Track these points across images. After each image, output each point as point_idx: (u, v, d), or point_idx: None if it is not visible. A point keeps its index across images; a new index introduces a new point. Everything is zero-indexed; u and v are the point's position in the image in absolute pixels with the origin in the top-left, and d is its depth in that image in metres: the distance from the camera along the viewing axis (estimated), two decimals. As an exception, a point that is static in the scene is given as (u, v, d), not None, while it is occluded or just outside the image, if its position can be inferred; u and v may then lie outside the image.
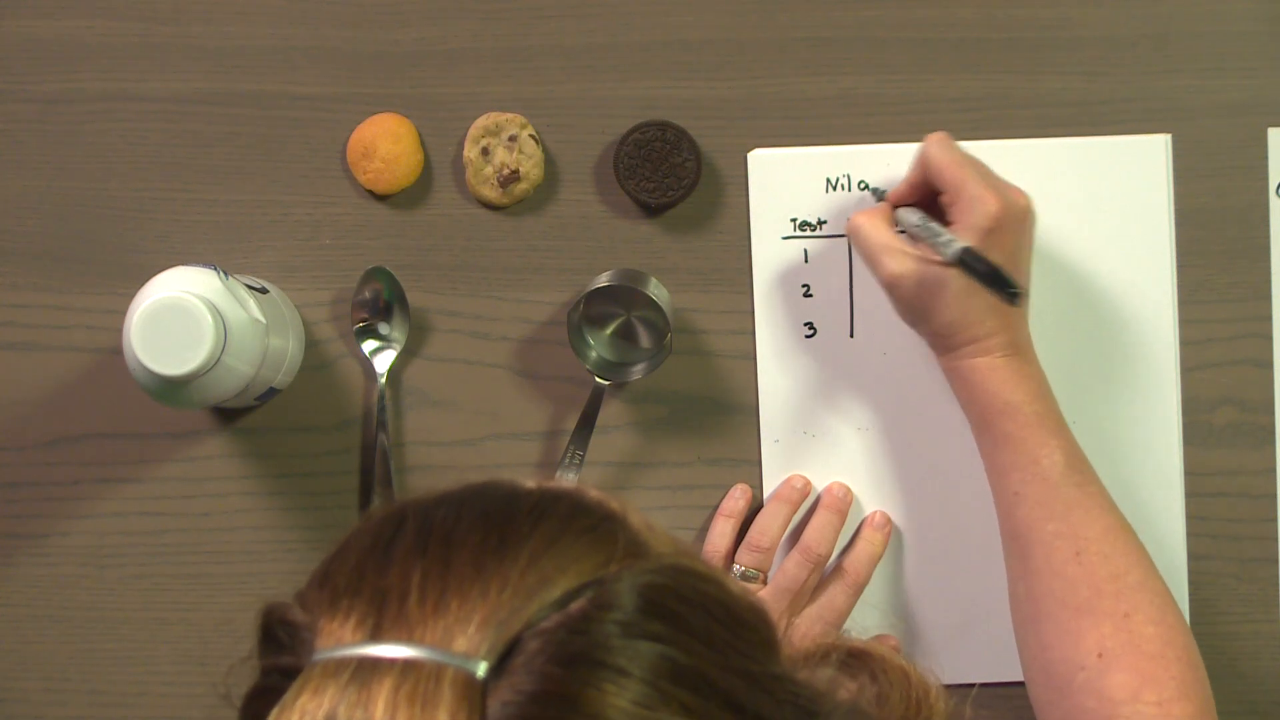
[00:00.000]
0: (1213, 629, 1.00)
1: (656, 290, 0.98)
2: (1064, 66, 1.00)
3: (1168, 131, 1.00)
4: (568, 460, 0.98)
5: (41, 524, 1.02)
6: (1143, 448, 1.00)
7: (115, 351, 0.93)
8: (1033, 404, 0.91)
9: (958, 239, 0.88)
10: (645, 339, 0.99)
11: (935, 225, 0.91)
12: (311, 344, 1.01)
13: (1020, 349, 0.92)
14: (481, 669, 0.51)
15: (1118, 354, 1.00)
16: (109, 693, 1.02)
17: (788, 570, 0.97)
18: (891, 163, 1.00)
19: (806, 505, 1.00)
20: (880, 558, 1.00)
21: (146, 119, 1.01)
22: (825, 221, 1.00)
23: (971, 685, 0.96)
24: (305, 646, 0.54)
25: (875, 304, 1.00)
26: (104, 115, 1.01)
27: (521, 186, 1.00)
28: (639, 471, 1.01)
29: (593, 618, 0.52)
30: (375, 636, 0.53)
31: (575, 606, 0.53)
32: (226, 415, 1.01)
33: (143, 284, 0.90)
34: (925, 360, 1.00)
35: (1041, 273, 1.00)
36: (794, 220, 1.00)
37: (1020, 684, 1.01)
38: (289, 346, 0.97)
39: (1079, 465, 0.91)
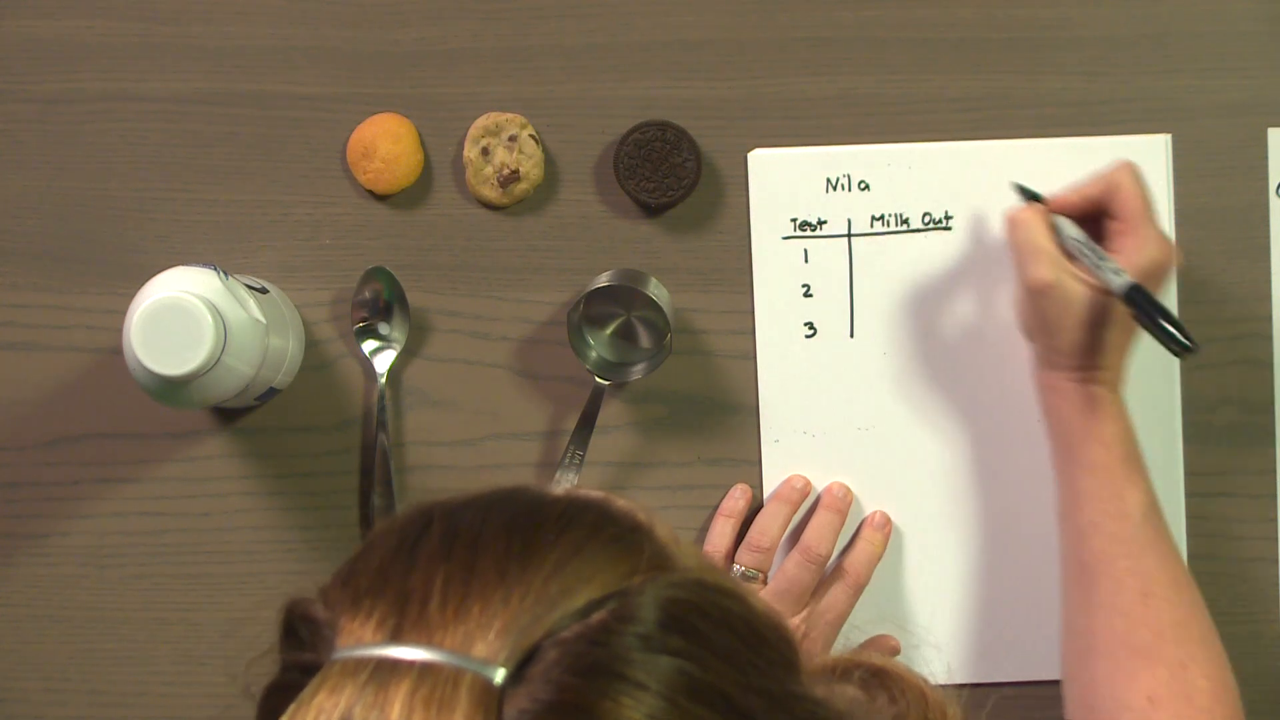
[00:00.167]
0: (1213, 629, 1.00)
1: (656, 290, 0.98)
2: (1064, 66, 1.00)
3: (1168, 131, 1.00)
4: (568, 460, 0.98)
5: (41, 524, 1.02)
6: (1143, 447, 1.00)
7: (115, 351, 0.93)
8: (1126, 443, 0.91)
9: (1125, 273, 0.87)
10: (645, 339, 0.99)
11: (1101, 250, 0.90)
12: (311, 344, 1.01)
13: (1119, 387, 0.92)
14: (499, 675, 0.51)
15: (1118, 354, 1.00)
16: (109, 693, 1.02)
17: (788, 570, 0.97)
18: (892, 163, 1.00)
19: (806, 505, 1.00)
20: (880, 558, 1.00)
21: (146, 119, 1.01)
22: (825, 221, 1.00)
23: (970, 685, 0.96)
24: (326, 644, 0.54)
25: (875, 304, 1.00)
26: (104, 115, 1.01)
27: (521, 186, 1.00)
28: (639, 471, 1.01)
29: (613, 629, 0.52)
30: (395, 638, 0.52)
31: (596, 617, 0.52)
32: (226, 415, 1.01)
33: (143, 284, 0.90)
34: (925, 360, 1.00)
35: (1041, 273, 1.00)
36: (794, 220, 1.00)
37: (1020, 684, 1.01)
38: (289, 346, 0.97)
39: (1158, 511, 0.91)
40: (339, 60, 1.01)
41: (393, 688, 0.51)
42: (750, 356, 1.01)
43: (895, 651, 0.99)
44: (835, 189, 1.00)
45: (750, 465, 1.01)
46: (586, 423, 0.99)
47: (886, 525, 1.00)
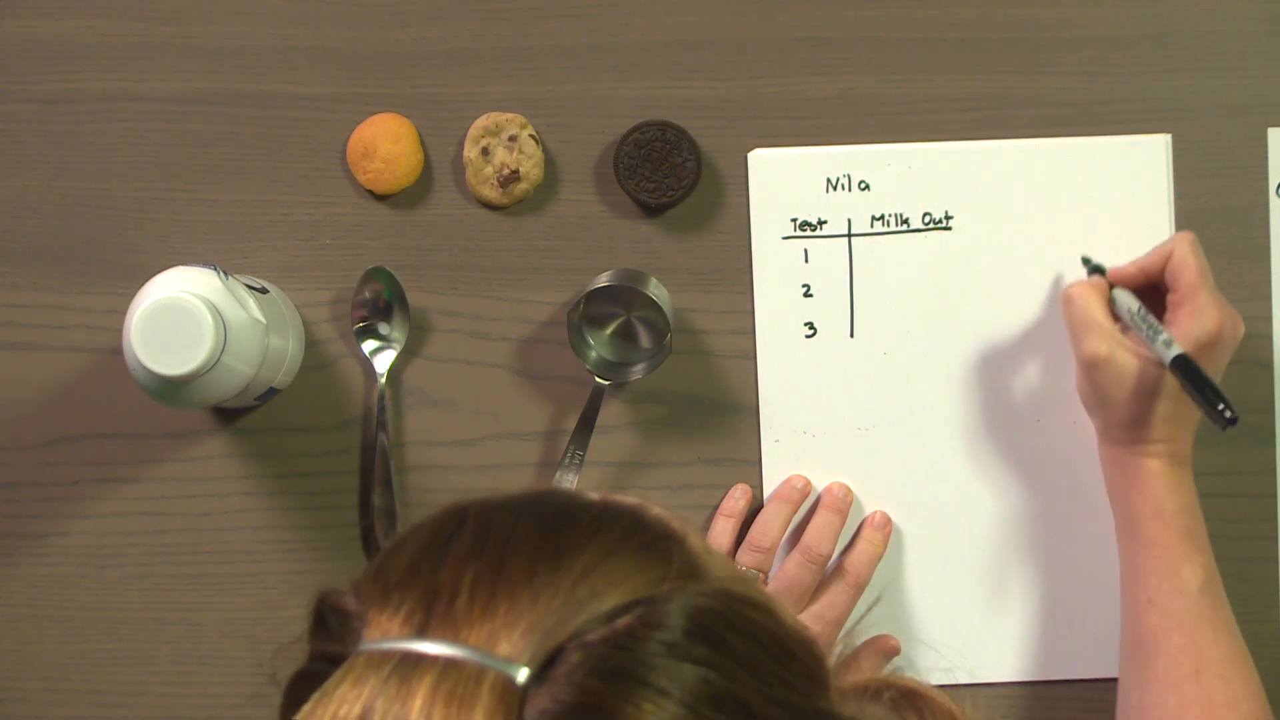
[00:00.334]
0: (1213, 629, 1.00)
1: (656, 290, 0.98)
2: (1064, 66, 1.00)
3: (1168, 131, 1.00)
4: (568, 460, 0.98)
5: (41, 524, 1.02)
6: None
7: (115, 351, 0.93)
8: (1184, 516, 0.91)
9: (1176, 344, 0.88)
10: (645, 339, 0.99)
11: (1154, 320, 0.90)
12: (311, 344, 1.01)
13: (1185, 461, 0.92)
14: (522, 675, 0.51)
15: (1118, 354, 1.00)
16: (109, 693, 1.02)
17: (788, 571, 0.97)
18: (892, 163, 1.00)
19: (807, 505, 1.00)
20: (880, 558, 1.00)
21: (146, 119, 1.01)
22: (825, 221, 1.00)
23: (970, 685, 0.96)
24: (353, 635, 0.55)
25: (875, 304, 1.00)
26: (104, 115, 1.01)
27: (521, 186, 1.00)
28: (639, 471, 1.01)
29: (638, 635, 0.52)
30: (421, 632, 0.53)
31: (622, 622, 0.52)
32: (226, 415, 1.01)
33: (143, 284, 0.90)
34: (925, 360, 1.00)
35: (1043, 273, 1.00)
36: (794, 220, 1.00)
37: (1018, 684, 1.01)
38: (289, 346, 0.97)
39: (1215, 587, 0.91)
40: (339, 60, 1.01)
41: (415, 682, 0.51)
42: (750, 356, 1.01)
43: (895, 651, 0.99)
44: (835, 189, 1.00)
45: (750, 465, 1.01)
46: (586, 423, 0.99)
47: (887, 525, 1.00)
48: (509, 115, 1.00)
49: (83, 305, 1.01)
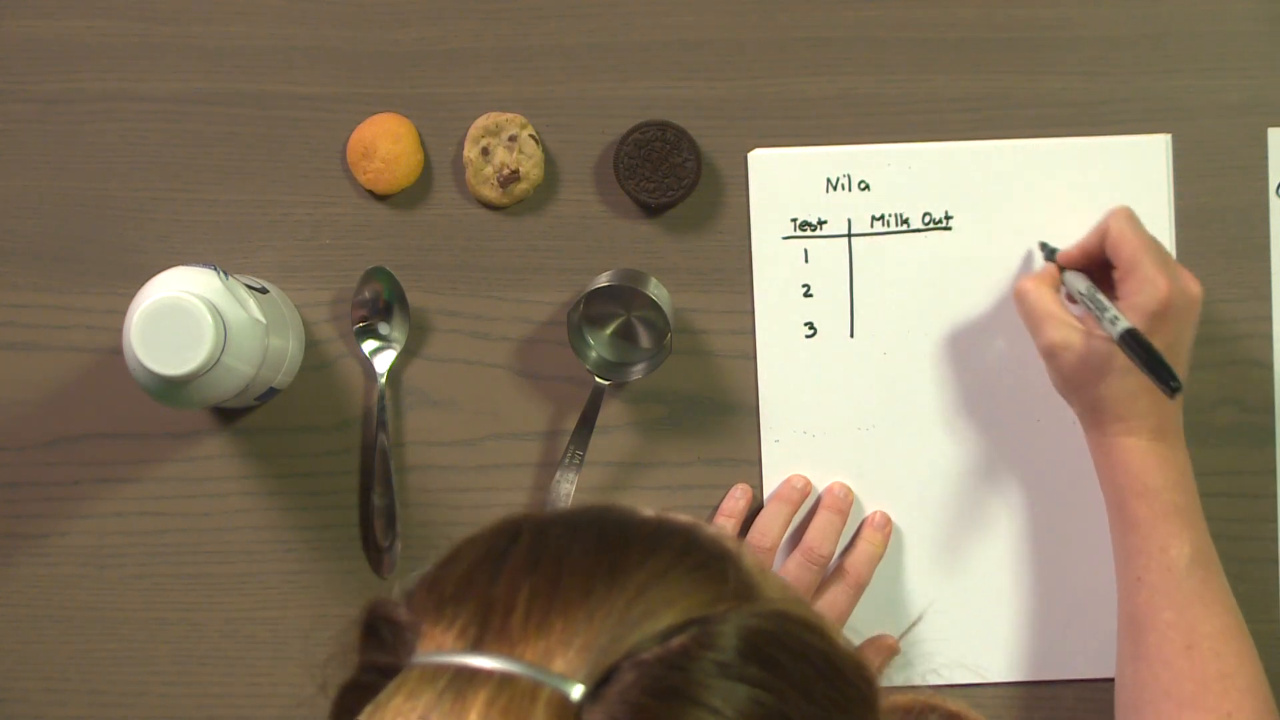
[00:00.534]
0: (1213, 629, 1.00)
1: (656, 290, 0.98)
2: (1064, 66, 1.00)
3: (1168, 131, 1.00)
4: (568, 460, 0.98)
5: (41, 524, 1.02)
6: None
7: (115, 351, 0.93)
8: (1170, 492, 0.91)
9: (1123, 318, 0.88)
10: (645, 339, 0.99)
11: (1102, 298, 0.90)
12: (311, 344, 1.01)
13: (1169, 434, 0.92)
14: (577, 692, 0.51)
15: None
16: (109, 693, 1.02)
17: (789, 571, 0.97)
18: (892, 163, 1.00)
19: (807, 505, 1.00)
20: (881, 558, 1.00)
21: (146, 119, 1.01)
22: (825, 221, 1.00)
23: (971, 685, 0.96)
24: (406, 648, 0.55)
25: (875, 304, 1.00)
26: (104, 115, 1.01)
27: (521, 186, 1.00)
28: (639, 471, 1.01)
29: (693, 655, 0.52)
30: (476, 647, 0.53)
31: (677, 641, 0.52)
32: (226, 415, 1.01)
33: (143, 284, 0.90)
34: (925, 360, 1.00)
35: (1041, 273, 1.00)
36: (794, 220, 1.00)
37: (1018, 684, 1.01)
38: (289, 346, 0.97)
39: (1206, 561, 0.91)
40: (339, 60, 1.01)
41: (470, 696, 0.51)
42: (750, 356, 1.01)
43: (894, 651, 0.99)
44: (835, 189, 1.00)
45: (750, 465, 1.01)
46: (586, 423, 0.99)
47: (887, 525, 1.00)
48: (509, 115, 1.00)
49: (83, 305, 1.01)
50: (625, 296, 0.97)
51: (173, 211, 1.01)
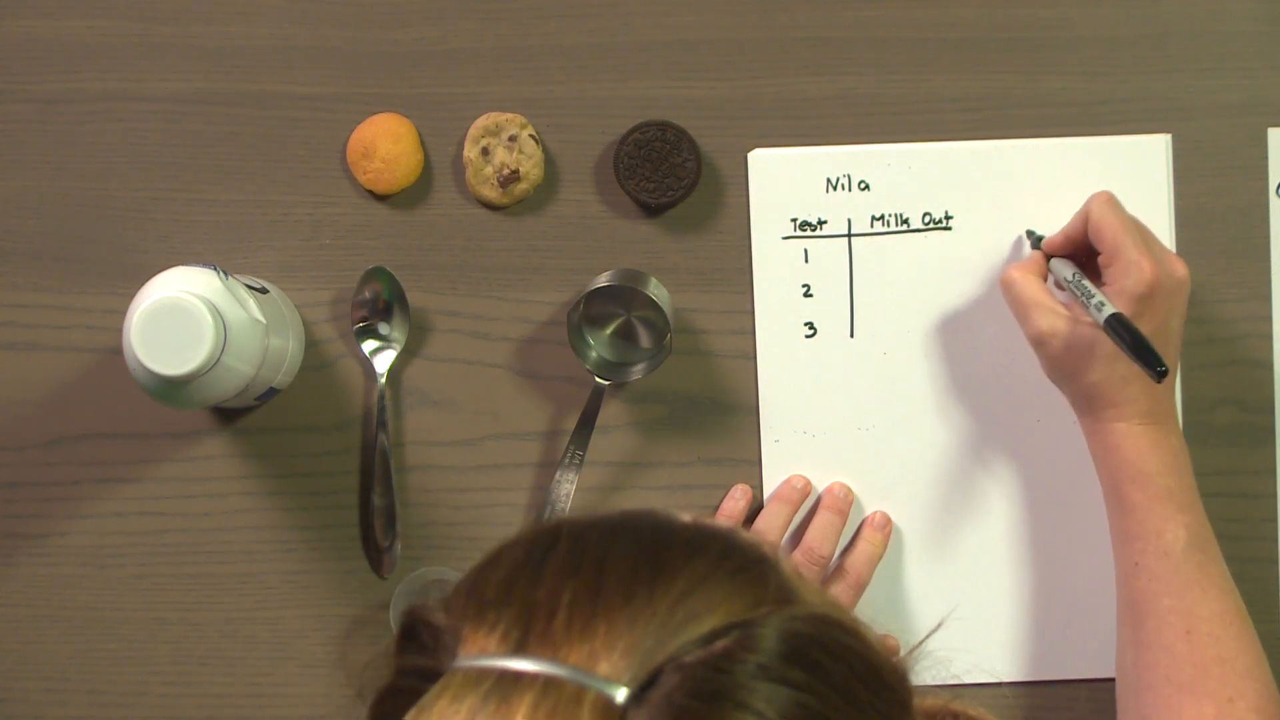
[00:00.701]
0: (1213, 629, 1.00)
1: (656, 290, 0.98)
2: (1064, 66, 1.00)
3: (1168, 131, 1.00)
4: (568, 460, 0.98)
5: (41, 524, 1.02)
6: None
7: (115, 351, 0.93)
8: (1165, 476, 0.90)
9: (1109, 303, 0.88)
10: (645, 339, 0.99)
11: (1088, 284, 0.90)
12: (311, 344, 1.01)
13: (1161, 418, 0.92)
14: (621, 695, 0.51)
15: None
16: (109, 693, 1.02)
17: (789, 571, 0.97)
18: (892, 163, 1.00)
19: (807, 506, 1.00)
20: (881, 558, 1.00)
21: (146, 119, 1.01)
22: (825, 221, 1.00)
23: (971, 685, 0.96)
24: (447, 652, 0.55)
25: (875, 304, 1.00)
26: (104, 115, 1.01)
27: (521, 186, 1.00)
28: (639, 471, 1.01)
29: (736, 658, 0.53)
30: (519, 650, 0.53)
31: (720, 645, 0.53)
32: (226, 415, 1.01)
33: (143, 284, 0.90)
34: (925, 360, 1.00)
35: (1041, 273, 1.00)
36: (794, 220, 1.00)
37: (1018, 684, 1.01)
38: (289, 346, 0.97)
39: (1203, 544, 0.90)
40: (339, 60, 1.01)
41: (515, 700, 0.51)
42: (750, 356, 1.01)
43: (894, 652, 0.99)
44: (835, 189, 1.00)
45: (750, 465, 1.01)
46: (586, 423, 0.99)
47: (887, 525, 1.00)
48: (509, 115, 1.00)
49: (83, 305, 1.01)
50: (625, 296, 0.97)
51: (173, 211, 1.01)
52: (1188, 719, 0.86)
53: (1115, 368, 0.90)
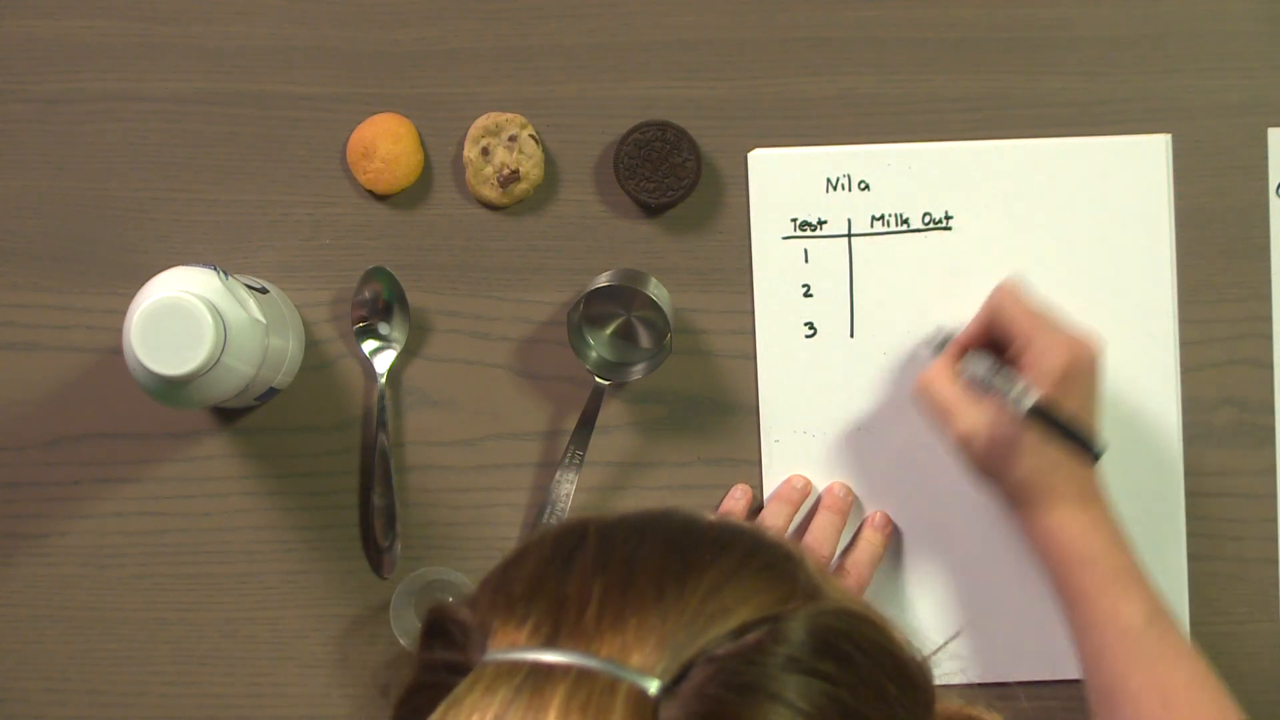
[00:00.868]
0: (1213, 629, 1.00)
1: (656, 290, 0.98)
2: (1064, 66, 1.00)
3: (1168, 131, 1.00)
4: (568, 460, 0.98)
5: (41, 524, 1.02)
6: (1143, 448, 1.00)
7: (115, 351, 0.93)
8: (1109, 556, 0.90)
9: (1029, 392, 0.88)
10: (645, 339, 0.99)
11: (1005, 376, 0.90)
12: (311, 344, 1.01)
13: (1094, 498, 0.91)
14: (654, 687, 0.52)
15: (1118, 354, 1.00)
16: (109, 693, 1.02)
17: (788, 571, 0.97)
18: (892, 163, 1.00)
19: (807, 506, 1.00)
20: (881, 558, 1.00)
21: (146, 119, 1.01)
22: (825, 221, 1.00)
23: (971, 685, 0.96)
24: (475, 646, 0.55)
25: (875, 304, 1.00)
26: (104, 115, 1.01)
27: (521, 186, 1.00)
28: (639, 471, 1.01)
29: (767, 650, 0.53)
30: (551, 643, 0.54)
31: (751, 637, 0.54)
32: (226, 415, 1.01)
33: (143, 284, 0.90)
34: (926, 360, 1.00)
35: (1042, 273, 1.00)
36: (794, 220, 1.00)
37: (1019, 684, 1.01)
38: (289, 346, 0.97)
39: (1160, 615, 0.90)
40: (339, 60, 1.01)
41: (549, 691, 0.52)
42: (750, 356, 1.01)
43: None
44: (835, 189, 1.00)
45: (750, 465, 1.01)
46: (586, 423, 0.99)
47: (887, 525, 1.00)
48: (509, 115, 1.00)
49: (83, 305, 1.01)
50: (625, 296, 0.97)
51: (173, 211, 1.01)
52: None
53: (1042, 457, 0.89)
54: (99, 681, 1.02)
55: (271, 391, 0.98)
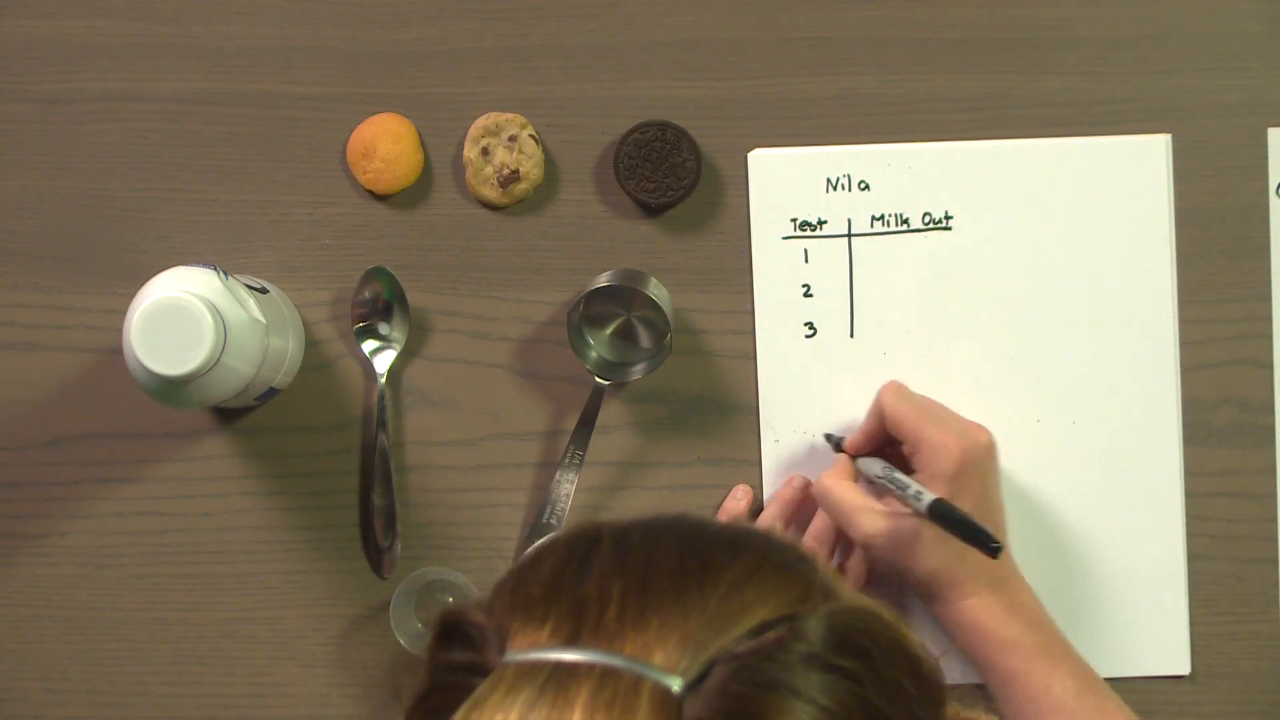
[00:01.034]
0: (1213, 629, 1.00)
1: (656, 290, 0.98)
2: (1064, 66, 1.00)
3: (1168, 131, 1.00)
4: (568, 460, 0.98)
5: (41, 524, 1.02)
6: (1143, 448, 1.00)
7: (115, 351, 0.93)
8: (1031, 635, 0.90)
9: (926, 491, 0.88)
10: (645, 339, 0.99)
11: (900, 476, 0.91)
12: (311, 344, 1.01)
13: (1006, 579, 0.92)
14: (678, 685, 0.53)
15: (1118, 354, 1.00)
16: (109, 693, 1.02)
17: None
18: (892, 163, 1.00)
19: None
20: (880, 558, 1.00)
21: (146, 119, 1.01)
22: (825, 221, 1.00)
23: (971, 685, 0.96)
24: (493, 648, 0.56)
25: (875, 304, 1.00)
26: (104, 115, 1.01)
27: (521, 186, 1.00)
28: (639, 471, 1.01)
29: (788, 647, 0.54)
30: (573, 643, 0.54)
31: (772, 635, 0.54)
32: (226, 415, 1.01)
33: (143, 284, 0.90)
34: (925, 360, 1.00)
35: (1042, 272, 1.00)
36: (794, 220, 1.00)
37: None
38: (289, 346, 0.97)
39: (1091, 684, 0.90)
40: (339, 60, 1.01)
41: (573, 690, 0.52)
42: (750, 356, 1.01)
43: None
44: (835, 189, 1.00)
45: (750, 465, 1.01)
46: (586, 423, 0.99)
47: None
48: (509, 115, 1.00)
49: (83, 305, 1.01)
50: (625, 296, 0.97)
51: (173, 211, 1.01)
52: None
53: (948, 549, 0.89)
54: (99, 681, 1.02)
55: (271, 391, 0.98)
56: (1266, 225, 1.00)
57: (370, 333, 1.01)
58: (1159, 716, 1.00)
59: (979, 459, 0.91)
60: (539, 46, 1.00)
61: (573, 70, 1.00)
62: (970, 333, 1.00)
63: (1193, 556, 1.00)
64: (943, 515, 0.86)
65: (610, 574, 0.56)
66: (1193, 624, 1.00)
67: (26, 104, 1.01)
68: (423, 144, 1.01)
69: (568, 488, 0.98)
